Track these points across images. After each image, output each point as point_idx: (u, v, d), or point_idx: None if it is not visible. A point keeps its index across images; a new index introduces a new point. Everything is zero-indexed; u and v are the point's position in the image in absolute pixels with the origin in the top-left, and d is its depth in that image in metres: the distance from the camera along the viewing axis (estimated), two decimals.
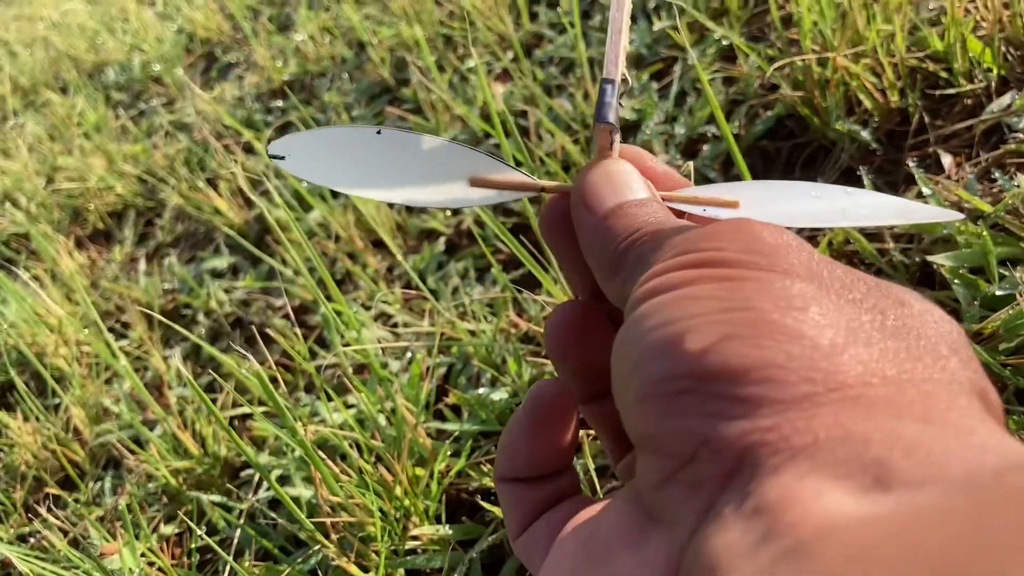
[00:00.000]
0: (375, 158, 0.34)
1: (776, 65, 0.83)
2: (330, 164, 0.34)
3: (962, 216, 0.34)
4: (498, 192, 0.34)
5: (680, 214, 0.33)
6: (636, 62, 1.12)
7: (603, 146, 0.33)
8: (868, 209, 0.34)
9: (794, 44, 0.93)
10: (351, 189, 0.33)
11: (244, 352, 0.77)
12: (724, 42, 1.01)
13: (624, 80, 0.34)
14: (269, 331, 1.04)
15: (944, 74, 0.82)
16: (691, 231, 0.27)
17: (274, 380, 0.94)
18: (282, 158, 0.34)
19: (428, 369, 0.82)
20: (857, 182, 0.78)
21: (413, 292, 0.97)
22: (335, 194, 1.15)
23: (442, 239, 1.04)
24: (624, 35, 0.34)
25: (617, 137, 0.33)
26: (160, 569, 0.76)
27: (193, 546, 0.82)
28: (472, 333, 0.84)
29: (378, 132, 0.34)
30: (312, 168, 0.34)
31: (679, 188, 0.34)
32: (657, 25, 1.13)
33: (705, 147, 0.93)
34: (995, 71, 0.80)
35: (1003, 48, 0.81)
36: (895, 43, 0.82)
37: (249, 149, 1.49)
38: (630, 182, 0.32)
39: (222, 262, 1.27)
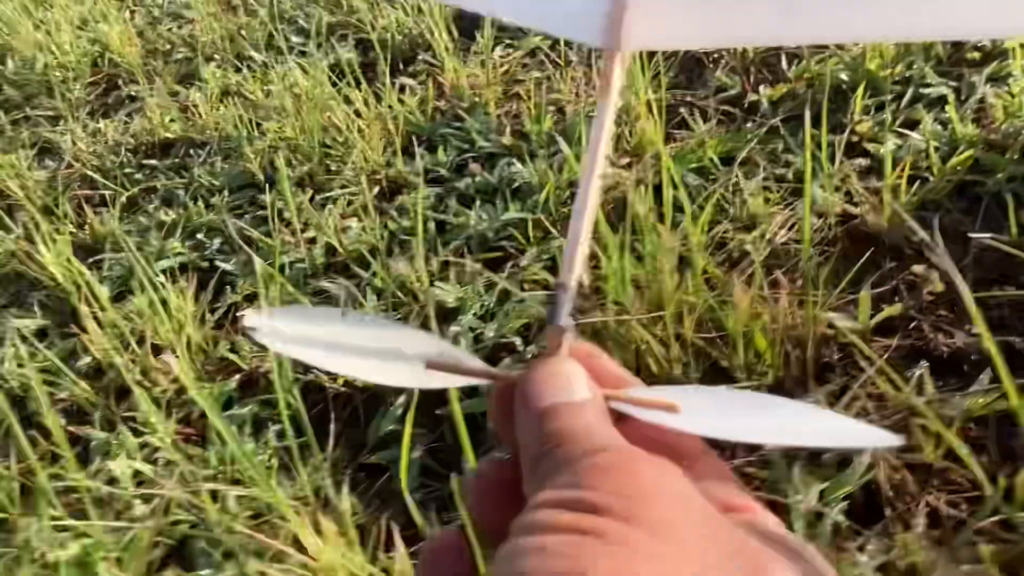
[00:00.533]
0: (341, 336, 0.36)
1: (581, 320, 0.85)
2: (299, 338, 0.36)
3: (902, 441, 0.35)
4: (453, 376, 0.35)
5: (624, 416, 0.33)
6: (481, 242, 1.13)
7: (552, 347, 0.34)
8: (811, 430, 0.34)
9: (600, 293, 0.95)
10: (320, 362, 0.35)
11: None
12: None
13: (580, 284, 0.35)
14: (44, 422, 0.99)
15: (725, 362, 0.85)
16: (584, 461, 0.27)
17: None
18: (254, 329, 0.35)
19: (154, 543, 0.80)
20: None
21: (190, 430, 0.95)
22: (156, 286, 1.12)
23: (238, 376, 1.03)
24: (584, 244, 0.36)
25: (568, 337, 0.34)
26: None
27: None
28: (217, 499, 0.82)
29: (343, 314, 0.37)
30: (283, 341, 0.36)
31: (622, 386, 0.34)
32: (507, 214, 1.15)
33: (507, 358, 0.95)
34: (771, 372, 0.84)
35: (787, 349, 0.85)
36: (686, 322, 0.86)
37: (105, 202, 1.45)
38: (571, 382, 0.32)
39: (31, 323, 1.22)
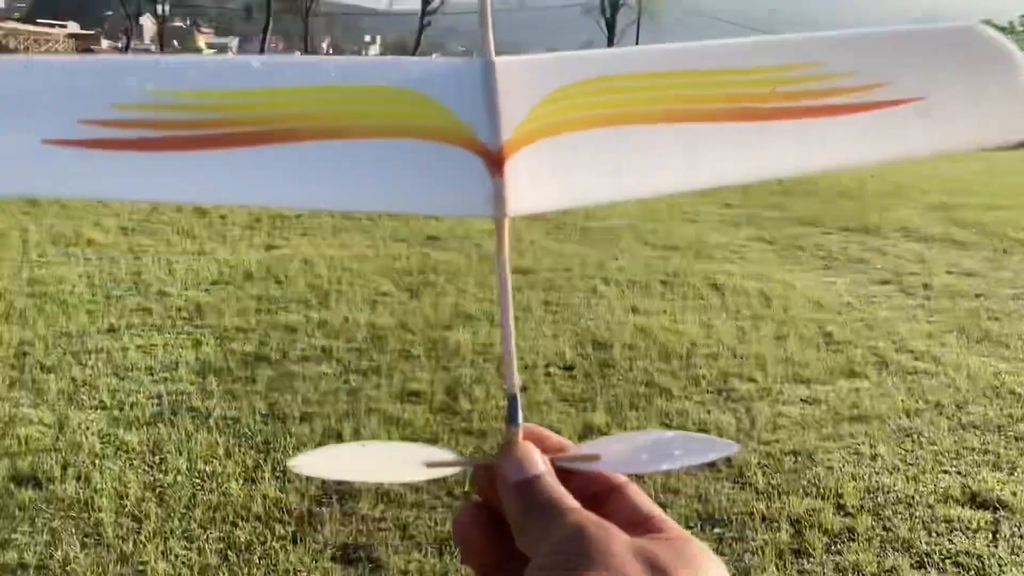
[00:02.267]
0: (363, 460, 0.52)
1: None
2: (333, 465, 0.52)
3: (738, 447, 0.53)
4: (445, 468, 0.50)
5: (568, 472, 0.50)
6: None
7: (511, 440, 0.49)
8: (681, 452, 0.51)
9: None
10: (350, 477, 0.51)
11: None
12: None
13: (523, 388, 0.51)
14: None
15: None
16: (560, 530, 0.43)
17: None
18: (299, 467, 0.50)
19: None
20: None
21: None
22: None
23: None
24: (513, 357, 0.51)
25: (521, 429, 0.49)
26: None
27: None
28: None
29: (363, 445, 0.52)
30: (322, 469, 0.52)
31: (564, 449, 0.50)
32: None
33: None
34: None
35: None
36: None
37: None
38: (533, 462, 0.48)
39: None
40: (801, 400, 3.70)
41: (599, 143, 0.51)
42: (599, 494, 0.49)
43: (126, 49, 34.67)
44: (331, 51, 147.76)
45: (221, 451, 3.02)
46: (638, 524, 0.46)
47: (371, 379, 3.77)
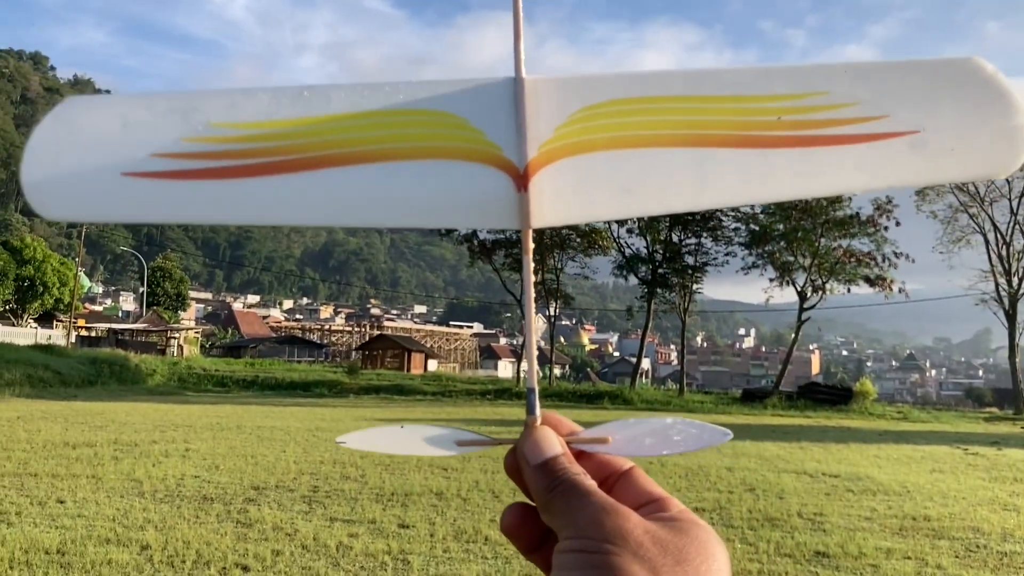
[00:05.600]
0: (400, 437, 0.59)
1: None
2: (376, 441, 0.58)
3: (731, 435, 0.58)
4: (473, 446, 0.58)
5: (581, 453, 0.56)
6: None
7: (531, 425, 0.55)
8: (681, 438, 0.57)
9: None
10: (388, 450, 0.58)
11: None
12: None
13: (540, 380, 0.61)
14: None
15: None
16: (582, 513, 0.48)
17: None
18: (344, 442, 0.58)
19: None
20: None
21: None
22: None
23: None
24: (535, 358, 0.58)
25: (539, 417, 0.56)
26: None
27: None
28: None
29: (401, 426, 0.58)
30: (365, 443, 0.58)
31: (576, 433, 0.56)
32: None
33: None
34: None
35: None
36: None
37: None
38: (551, 444, 0.53)
39: None
40: None
41: (616, 164, 0.55)
42: (610, 477, 0.55)
43: (522, 346, 41.60)
44: (704, 344, 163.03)
45: None
46: (647, 505, 0.52)
47: None
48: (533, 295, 0.58)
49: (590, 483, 0.51)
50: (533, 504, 0.53)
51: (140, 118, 0.55)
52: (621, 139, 0.55)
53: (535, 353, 0.58)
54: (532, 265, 0.58)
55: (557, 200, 0.55)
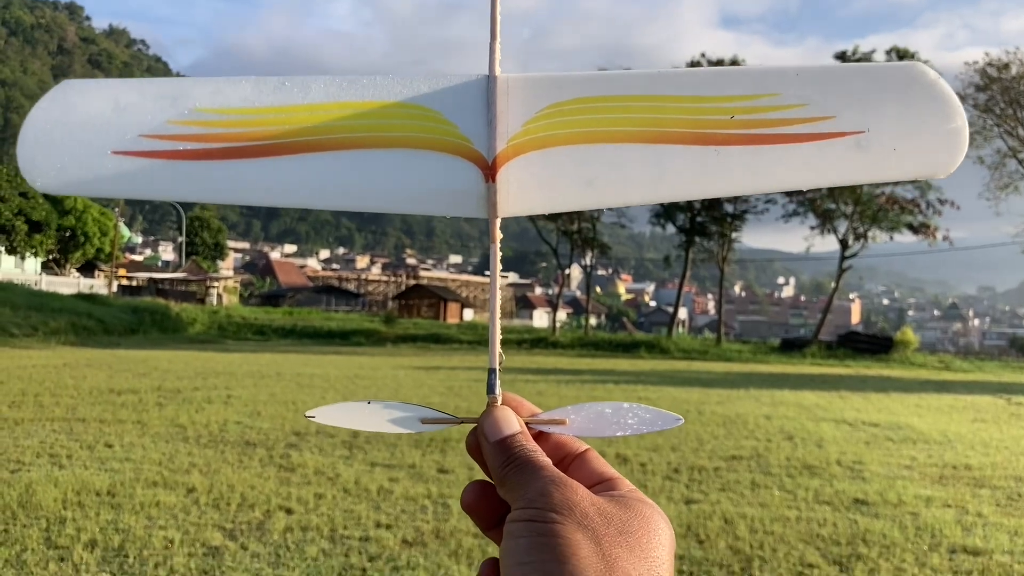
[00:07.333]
0: (366, 413, 0.59)
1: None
2: (343, 417, 0.59)
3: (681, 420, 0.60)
4: (435, 425, 0.59)
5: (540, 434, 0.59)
6: None
7: (492, 404, 0.57)
8: (637, 420, 0.59)
9: None
10: (353, 426, 0.58)
11: None
12: None
13: (501, 362, 0.60)
14: None
15: None
16: (532, 485, 0.51)
17: None
18: (313, 417, 0.59)
19: None
20: None
21: None
22: None
23: None
24: (497, 340, 0.59)
25: (499, 396, 0.58)
26: None
27: None
28: None
29: (368, 403, 0.59)
30: (332, 419, 0.59)
31: (535, 415, 0.59)
32: None
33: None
34: None
35: None
36: None
37: None
38: (510, 422, 0.56)
39: None
40: None
41: (579, 158, 0.59)
42: (566, 458, 0.57)
43: (558, 296, 41.21)
44: (742, 293, 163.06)
45: None
46: (599, 483, 0.54)
47: None
48: (500, 281, 0.60)
49: (544, 459, 0.54)
50: (492, 482, 0.56)
51: (131, 101, 0.59)
52: (585, 135, 0.59)
53: (499, 336, 0.60)
54: (500, 254, 0.61)
55: (523, 191, 0.59)
